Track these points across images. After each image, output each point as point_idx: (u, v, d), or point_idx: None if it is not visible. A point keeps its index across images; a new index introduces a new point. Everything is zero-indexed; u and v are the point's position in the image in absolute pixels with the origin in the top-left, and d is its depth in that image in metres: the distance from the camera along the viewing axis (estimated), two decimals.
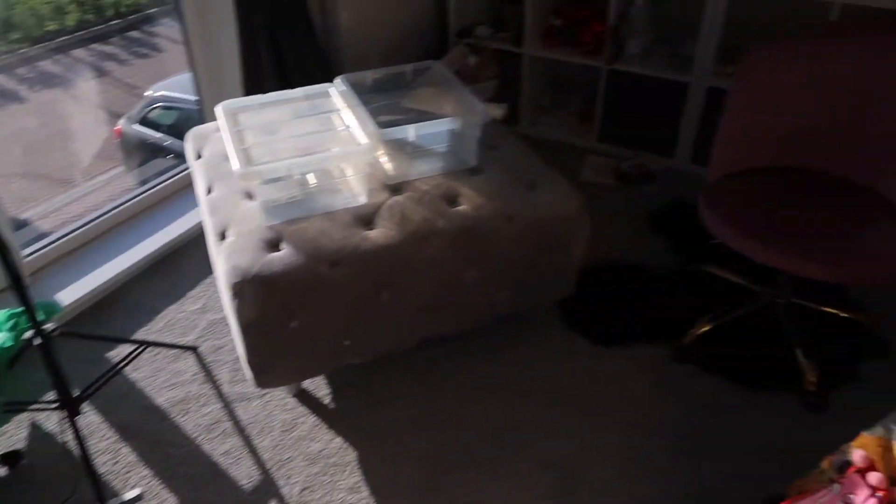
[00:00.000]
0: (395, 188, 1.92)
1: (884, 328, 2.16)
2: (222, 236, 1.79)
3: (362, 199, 1.84)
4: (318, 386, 2.02)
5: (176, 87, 4.92)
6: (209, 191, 1.98)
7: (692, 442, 1.82)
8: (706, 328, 2.09)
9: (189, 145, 2.22)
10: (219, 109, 1.96)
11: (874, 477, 1.30)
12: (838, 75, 1.97)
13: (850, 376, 1.99)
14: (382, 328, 1.86)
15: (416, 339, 1.95)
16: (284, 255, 1.68)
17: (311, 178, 1.84)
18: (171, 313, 2.28)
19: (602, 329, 2.17)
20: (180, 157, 3.21)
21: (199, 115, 2.73)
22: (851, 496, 1.30)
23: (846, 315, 2.13)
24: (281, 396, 1.98)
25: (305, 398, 1.98)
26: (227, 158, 2.05)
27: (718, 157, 2.01)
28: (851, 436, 1.45)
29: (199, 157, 2.15)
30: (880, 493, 1.27)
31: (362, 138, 1.80)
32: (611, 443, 1.82)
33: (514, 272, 1.94)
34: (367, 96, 2.18)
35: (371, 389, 2.00)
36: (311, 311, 1.72)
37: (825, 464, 1.45)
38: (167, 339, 2.18)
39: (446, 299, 1.89)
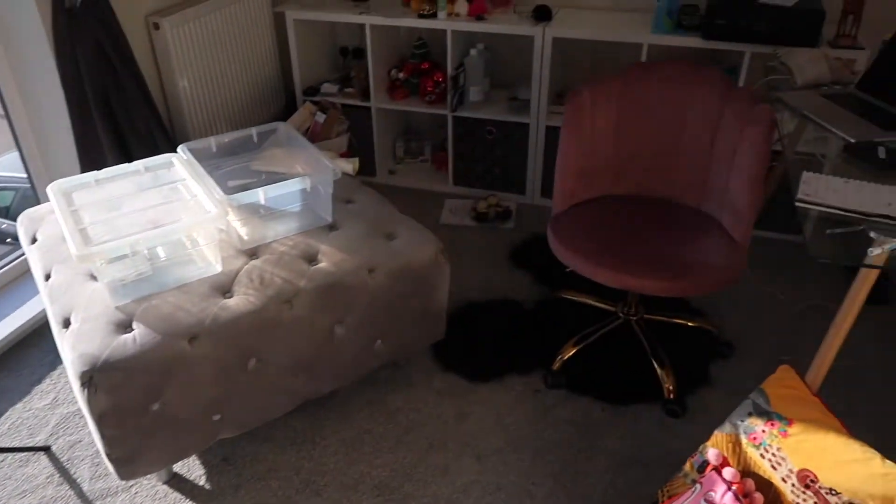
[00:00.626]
0: (252, 253, 1.88)
1: (726, 331, 2.36)
2: (66, 323, 1.67)
3: (217, 268, 1.79)
4: (192, 467, 1.91)
5: (9, 166, 4.57)
6: (47, 276, 1.84)
7: (571, 461, 1.89)
8: (573, 351, 2.19)
9: (22, 229, 2.06)
10: (50, 190, 1.84)
11: (728, 472, 1.41)
12: (651, 108, 2.18)
13: (702, 379, 2.16)
14: (254, 397, 1.79)
15: (292, 403, 1.90)
16: (137, 335, 1.59)
17: (161, 253, 1.76)
18: (17, 413, 2.08)
19: (477, 367, 2.22)
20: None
21: (34, 195, 2.55)
22: (711, 493, 1.40)
23: (693, 324, 2.32)
24: (151, 485, 1.85)
25: (178, 483, 1.86)
26: (65, 240, 1.93)
27: (559, 191, 2.15)
28: (708, 436, 1.57)
29: (34, 241, 2.00)
30: (735, 487, 1.38)
31: (211, 206, 1.76)
32: (496, 475, 1.85)
33: (383, 322, 1.95)
34: (213, 162, 2.14)
35: (250, 462, 1.91)
36: (174, 391, 1.63)
37: (687, 466, 1.56)
38: (14, 443, 1.98)
39: (318, 358, 1.87)
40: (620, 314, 2.27)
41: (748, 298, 2.52)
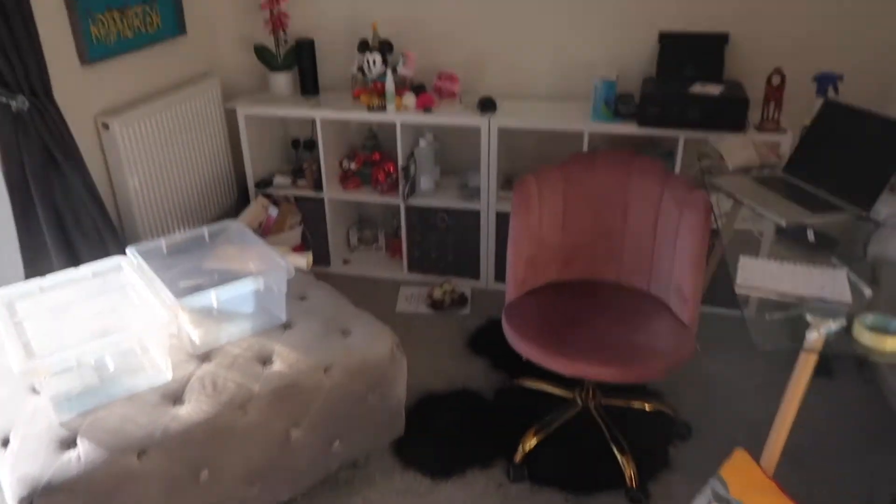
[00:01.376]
0: (204, 357, 1.84)
1: (683, 411, 2.39)
2: (6, 442, 1.60)
3: (168, 376, 1.75)
4: None
5: None
6: None
7: None
8: (534, 442, 2.18)
9: None
10: None
11: None
12: (594, 195, 2.27)
13: (663, 463, 2.16)
14: None
15: None
16: (82, 453, 1.52)
17: (110, 362, 1.72)
18: None
19: (438, 462, 2.18)
20: None
21: None
22: None
23: (650, 407, 2.34)
24: None
25: None
26: (6, 353, 1.86)
27: (511, 279, 2.19)
28: None
29: None
30: None
31: (160, 310, 1.73)
32: None
33: (341, 422, 1.92)
34: (164, 262, 2.12)
35: None
36: None
37: None
38: None
39: (274, 464, 1.81)
40: (579, 400, 2.28)
41: (702, 376, 2.57)
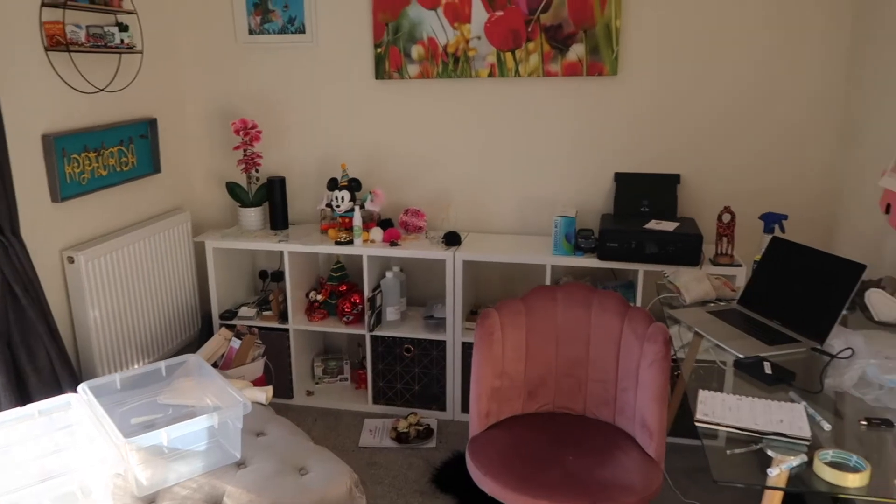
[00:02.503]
0: (151, 499, 1.75)
1: None
2: None
3: None
4: None
5: None
6: None
7: None
8: None
9: None
10: None
11: None
12: (556, 328, 2.30)
13: None
14: None
15: None
16: None
17: None
18: None
19: None
20: None
21: None
22: None
23: None
24: None
25: None
26: None
27: (475, 413, 2.15)
28: None
29: None
30: None
31: (107, 450, 1.66)
32: None
33: None
34: (117, 398, 2.06)
35: None
36: None
37: None
38: None
39: None
40: None
41: None
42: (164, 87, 3.24)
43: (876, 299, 2.08)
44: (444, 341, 3.04)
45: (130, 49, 2.82)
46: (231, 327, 3.13)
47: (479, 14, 3.00)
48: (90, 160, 2.72)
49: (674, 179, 2.97)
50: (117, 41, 2.75)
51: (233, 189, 3.26)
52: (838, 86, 2.82)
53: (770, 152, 2.94)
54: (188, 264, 3.30)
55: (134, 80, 2.99)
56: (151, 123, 3.09)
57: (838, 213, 2.85)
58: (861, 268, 1.97)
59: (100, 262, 2.70)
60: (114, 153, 2.86)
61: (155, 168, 3.14)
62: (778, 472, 1.39)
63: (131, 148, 2.97)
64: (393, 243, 3.03)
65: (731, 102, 2.93)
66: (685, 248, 2.68)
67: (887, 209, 2.37)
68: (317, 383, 3.43)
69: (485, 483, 1.92)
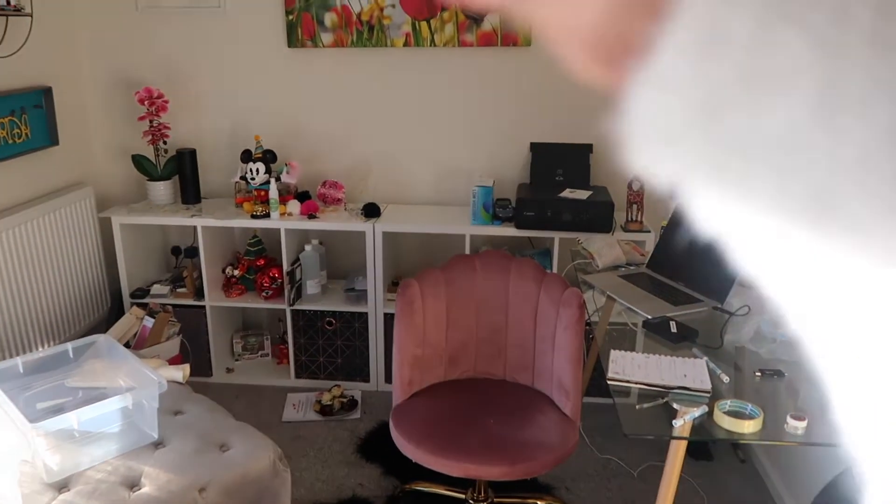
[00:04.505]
0: (62, 485, 1.69)
1: (578, 503, 2.41)
2: None
3: None
4: None
5: None
6: None
7: None
8: None
9: None
10: None
11: None
12: (476, 296, 2.34)
13: None
14: None
15: None
16: None
17: None
18: None
19: None
20: None
21: None
22: None
23: (543, 503, 2.34)
24: None
25: None
26: None
27: (398, 382, 2.18)
28: None
29: None
30: None
31: (11, 436, 1.59)
32: None
33: None
34: (21, 382, 1.96)
35: None
36: None
37: None
38: None
39: None
40: (471, 501, 2.24)
41: (591, 466, 2.61)
42: (58, 54, 3.04)
43: None
44: (366, 313, 3.04)
45: (18, 11, 2.63)
46: (143, 306, 3.02)
47: None
48: None
49: (587, 149, 3.06)
50: (2, 2, 2.56)
51: (140, 162, 3.12)
52: None
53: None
54: (93, 241, 3.15)
55: (24, 46, 2.78)
56: (46, 92, 2.90)
57: None
58: None
59: None
60: (4, 124, 2.68)
61: (52, 140, 2.96)
62: (682, 423, 1.48)
63: (24, 118, 2.78)
64: (311, 216, 2.98)
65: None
66: (598, 216, 2.77)
67: None
68: (237, 360, 3.37)
69: (409, 450, 1.96)
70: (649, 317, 2.02)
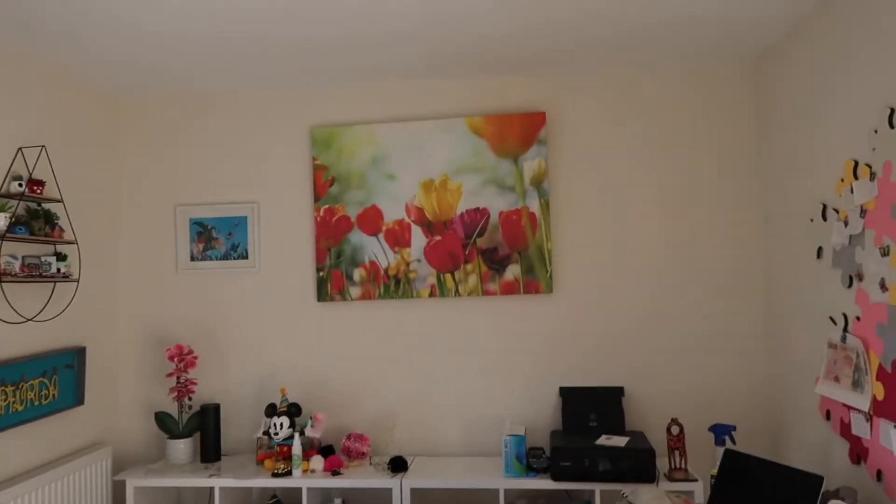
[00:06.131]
0: None
1: None
2: None
3: None
4: None
5: None
6: None
7: None
8: None
9: None
10: None
11: None
12: None
13: None
14: None
15: None
16: None
17: None
18: None
19: None
20: None
21: None
22: None
23: None
24: None
25: None
26: None
27: None
28: None
29: None
30: None
31: None
32: None
33: None
34: None
35: None
36: None
37: None
38: None
39: None
40: None
41: None
42: (97, 315, 3.15)
43: None
44: None
45: (66, 278, 2.77)
46: None
47: (419, 239, 3.15)
48: (6, 394, 2.52)
49: (618, 392, 2.98)
50: (53, 270, 2.71)
51: (162, 419, 3.06)
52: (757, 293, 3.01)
53: (709, 358, 3.02)
54: None
55: (66, 309, 2.90)
56: (79, 352, 2.94)
57: (782, 421, 2.88)
58: (819, 479, 1.94)
59: None
60: (34, 385, 2.67)
61: (78, 400, 2.93)
62: None
63: (54, 380, 2.78)
64: (335, 472, 2.83)
65: (661, 307, 3.05)
66: (639, 464, 2.61)
67: (828, 416, 2.41)
68: None
69: None
70: None
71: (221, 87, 3.25)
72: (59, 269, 2.74)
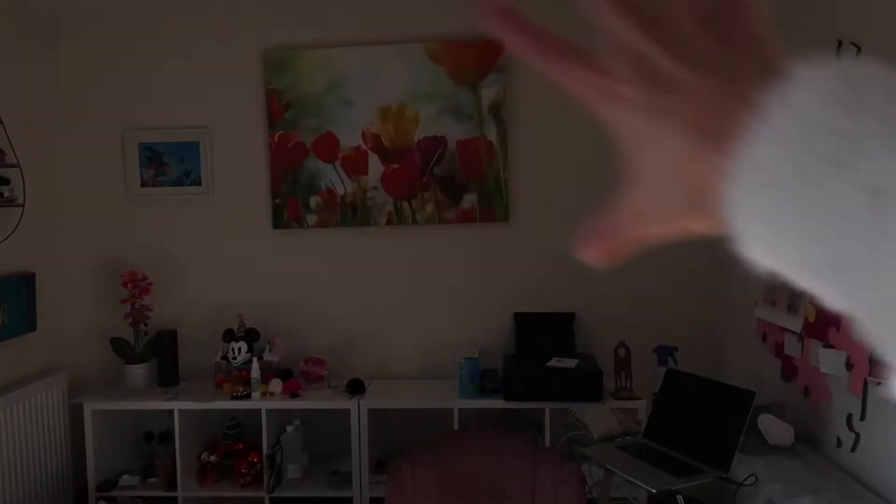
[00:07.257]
0: None
1: None
2: None
3: None
4: None
5: None
6: None
7: None
8: None
9: None
10: None
11: None
12: (469, 477, 2.23)
13: None
14: None
15: None
16: None
17: None
18: None
19: None
20: None
21: None
22: None
23: None
24: None
25: None
26: None
27: None
28: None
29: None
30: None
31: None
32: None
33: None
34: None
35: None
36: None
37: None
38: None
39: None
40: None
41: None
42: (45, 241, 3.08)
43: (768, 424, 2.18)
44: (351, 498, 2.86)
45: (10, 202, 2.69)
46: (110, 499, 2.81)
47: (376, 166, 3.13)
48: None
49: (569, 317, 3.08)
50: None
51: (118, 345, 3.06)
52: None
53: (656, 285, 3.14)
54: (61, 430, 2.99)
55: (12, 234, 2.82)
56: (29, 278, 2.89)
57: (722, 343, 3.03)
58: (751, 394, 2.08)
59: None
60: None
61: (29, 326, 2.90)
62: None
63: (3, 306, 2.74)
64: (294, 394, 2.90)
65: None
66: (588, 384, 2.73)
67: (764, 337, 2.56)
68: None
69: None
70: (653, 490, 1.92)
71: (168, 6, 3.10)
72: (2, 194, 2.65)
